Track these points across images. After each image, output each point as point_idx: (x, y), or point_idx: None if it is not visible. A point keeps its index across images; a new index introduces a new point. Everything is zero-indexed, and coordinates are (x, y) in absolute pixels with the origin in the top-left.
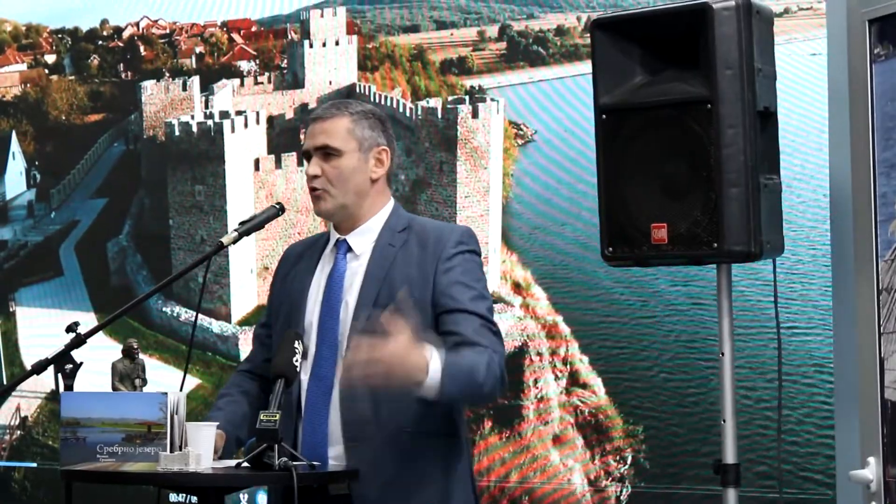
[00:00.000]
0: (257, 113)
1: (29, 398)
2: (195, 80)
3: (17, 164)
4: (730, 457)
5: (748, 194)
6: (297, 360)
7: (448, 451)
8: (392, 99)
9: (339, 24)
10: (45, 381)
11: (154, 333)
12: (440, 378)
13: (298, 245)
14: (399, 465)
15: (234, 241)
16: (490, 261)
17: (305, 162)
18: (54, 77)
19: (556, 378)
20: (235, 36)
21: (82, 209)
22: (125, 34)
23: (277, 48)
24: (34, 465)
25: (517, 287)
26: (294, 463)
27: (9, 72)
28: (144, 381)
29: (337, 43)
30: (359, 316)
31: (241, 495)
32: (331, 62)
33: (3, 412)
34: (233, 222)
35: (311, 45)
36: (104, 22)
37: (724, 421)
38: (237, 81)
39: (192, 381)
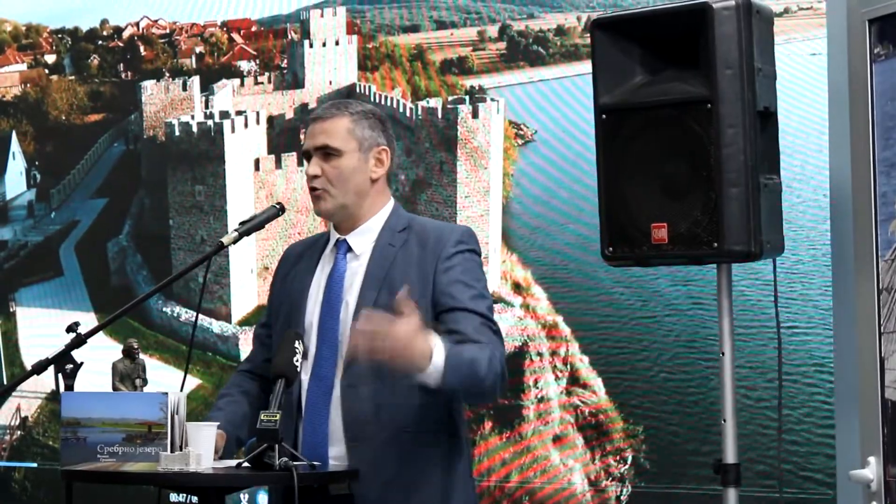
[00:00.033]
0: (257, 113)
1: (29, 398)
2: (195, 80)
3: (17, 164)
4: (730, 456)
5: (748, 194)
6: (297, 360)
7: (449, 451)
8: (392, 99)
9: (339, 23)
10: (46, 382)
11: (154, 334)
12: (443, 367)
13: (298, 245)
14: (400, 465)
15: (235, 241)
16: (490, 261)
17: (305, 162)
18: (54, 77)
19: (557, 378)
20: (235, 36)
21: (82, 209)
22: (125, 34)
23: (277, 48)
24: (34, 465)
25: (517, 287)
26: (294, 463)
27: (9, 72)
28: (145, 381)
29: (337, 43)
30: (359, 316)
31: (241, 495)
32: (331, 62)
33: (4, 412)
34: (233, 222)
35: (311, 45)
36: (104, 22)
37: (725, 420)
38: (237, 81)
39: (193, 382)
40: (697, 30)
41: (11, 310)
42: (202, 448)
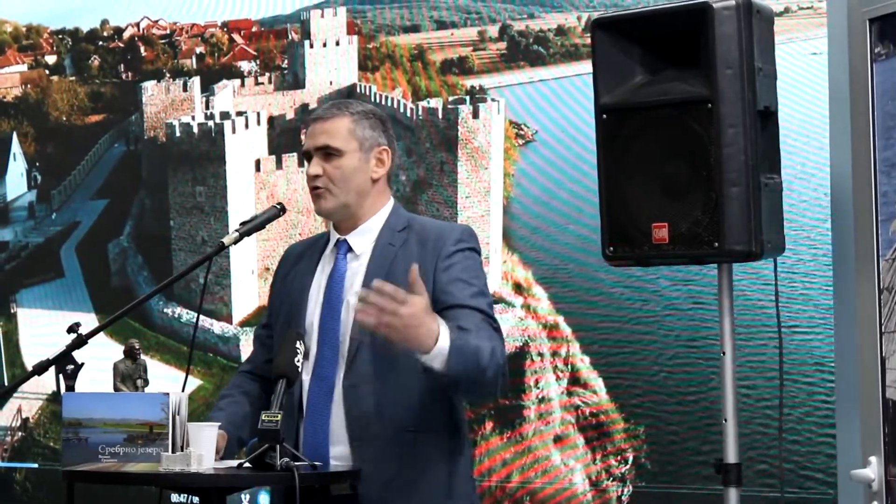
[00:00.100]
0: (258, 113)
1: (30, 399)
2: (196, 81)
3: (17, 166)
4: (731, 456)
5: (749, 194)
6: (298, 361)
7: (450, 451)
8: (392, 99)
9: (339, 24)
10: (47, 382)
11: (155, 335)
12: (448, 350)
13: (298, 245)
14: (401, 465)
15: (235, 242)
16: (491, 262)
17: (306, 162)
18: (55, 78)
19: (558, 379)
20: (236, 36)
21: (83, 210)
22: (126, 35)
23: (278, 48)
24: (35, 465)
25: (518, 288)
26: (295, 463)
27: (9, 73)
28: (146, 382)
29: (337, 43)
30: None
31: (242, 496)
32: (331, 62)
33: (5, 413)
34: (234, 223)
35: (311, 46)
36: (104, 22)
37: (726, 420)
38: (238, 82)
39: (193, 383)
40: (698, 29)
41: (12, 311)
42: (203, 448)
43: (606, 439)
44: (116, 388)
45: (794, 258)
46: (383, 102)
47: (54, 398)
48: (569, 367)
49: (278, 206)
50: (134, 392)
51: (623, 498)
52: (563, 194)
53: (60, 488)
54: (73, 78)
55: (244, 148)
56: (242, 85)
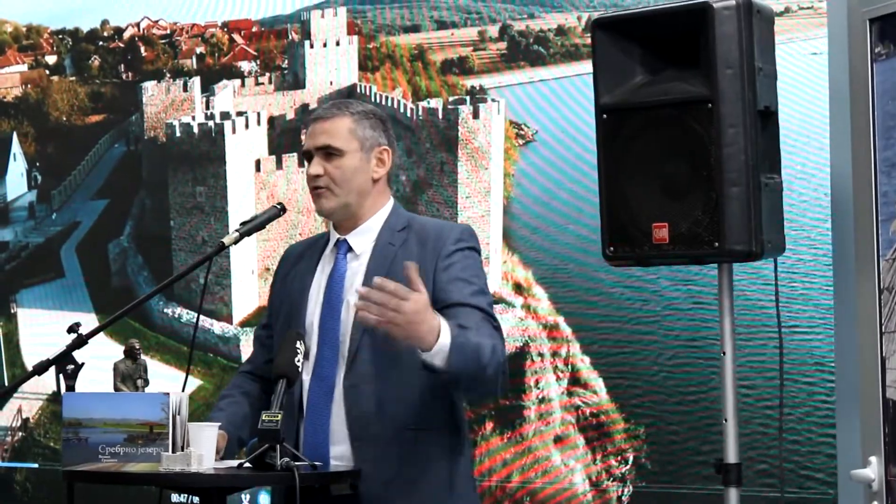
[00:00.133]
0: (258, 113)
1: (30, 399)
2: (196, 81)
3: (18, 166)
4: (731, 456)
5: (749, 193)
6: (298, 361)
7: (450, 450)
8: (393, 99)
9: (339, 24)
10: (47, 382)
11: (156, 335)
12: (449, 347)
13: (298, 245)
14: (401, 464)
15: (236, 242)
16: (491, 262)
17: (306, 162)
18: (55, 78)
19: (558, 379)
20: (236, 36)
21: (83, 210)
22: (126, 35)
23: (278, 49)
24: (35, 465)
25: (518, 288)
26: (296, 463)
27: (10, 73)
28: (146, 382)
29: (338, 43)
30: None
31: (243, 496)
32: (331, 62)
33: (5, 414)
34: (234, 223)
35: (311, 46)
36: (105, 22)
37: (726, 420)
38: (238, 82)
39: (193, 383)
40: (698, 29)
41: (13, 311)
42: (204, 448)
43: (607, 439)
44: (117, 388)
45: (794, 258)
46: (383, 102)
47: (54, 398)
48: (569, 367)
49: (278, 207)
50: (134, 392)
51: (623, 498)
52: (563, 194)
53: (60, 488)
54: (74, 78)
55: (244, 148)
56: (243, 85)
